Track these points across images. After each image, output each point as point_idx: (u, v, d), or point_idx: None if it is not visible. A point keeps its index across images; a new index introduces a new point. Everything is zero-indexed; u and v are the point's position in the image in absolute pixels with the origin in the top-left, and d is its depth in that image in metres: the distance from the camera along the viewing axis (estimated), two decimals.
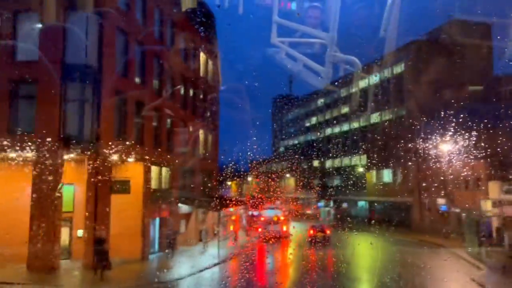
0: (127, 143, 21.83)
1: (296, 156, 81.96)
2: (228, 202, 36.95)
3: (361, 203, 61.76)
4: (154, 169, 26.04)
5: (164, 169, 27.67)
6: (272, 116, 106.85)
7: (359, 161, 67.04)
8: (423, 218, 47.85)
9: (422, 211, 47.80)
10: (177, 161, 28.38)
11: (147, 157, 23.94)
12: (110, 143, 20.37)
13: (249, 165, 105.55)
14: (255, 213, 53.10)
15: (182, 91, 31.36)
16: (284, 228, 43.90)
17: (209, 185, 36.17)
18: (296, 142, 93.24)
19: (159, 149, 26.40)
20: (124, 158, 21.66)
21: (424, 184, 47.94)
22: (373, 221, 52.50)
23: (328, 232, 39.68)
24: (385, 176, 53.68)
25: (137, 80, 24.39)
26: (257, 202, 53.23)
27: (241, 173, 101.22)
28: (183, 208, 29.51)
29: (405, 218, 49.40)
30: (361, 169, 57.71)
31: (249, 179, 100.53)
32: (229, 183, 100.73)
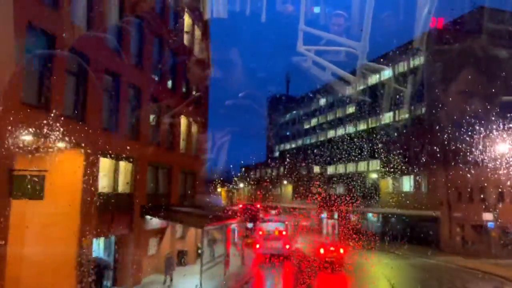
0: (52, 114, 13.09)
1: (294, 161, 73.36)
2: (218, 213, 28.15)
3: (372, 216, 53.23)
4: (105, 162, 17.26)
5: (123, 164, 18.85)
6: (268, 118, 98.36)
7: (367, 167, 58.66)
8: (453, 236, 39.40)
9: (453, 227, 39.38)
10: (145, 153, 19.63)
11: (90, 142, 15.16)
12: (13, 111, 11.64)
13: (241, 170, 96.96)
14: (250, 225, 44.33)
15: (158, 58, 22.82)
16: (287, 246, 35.18)
17: (190, 191, 27.41)
18: (294, 145, 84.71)
19: (115, 132, 17.62)
20: (44, 138, 12.86)
21: (456, 195, 39.56)
22: (389, 237, 43.95)
23: (341, 251, 30.95)
24: (405, 185, 45.31)
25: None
26: (253, 213, 44.52)
27: (233, 179, 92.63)
28: (153, 222, 20.68)
29: (431, 235, 40.91)
30: (373, 176, 49.30)
31: (241, 185, 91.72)
32: (218, 190, 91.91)
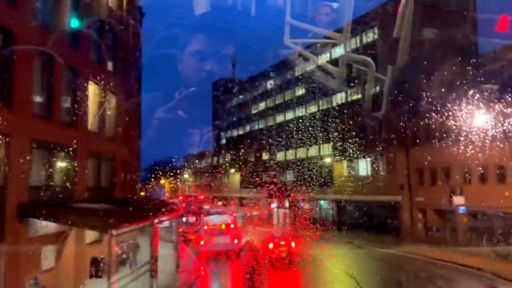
0: None
1: (241, 148, 68.37)
2: (148, 208, 22.43)
3: (326, 203, 49.55)
4: None
5: None
6: (213, 103, 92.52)
7: (318, 151, 54.90)
8: (415, 223, 36.25)
9: (414, 212, 36.20)
10: (25, 126, 13.65)
11: None
12: None
13: (186, 159, 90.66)
14: (191, 219, 38.99)
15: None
16: (236, 241, 30.44)
17: (110, 182, 21.60)
18: (241, 132, 79.69)
19: None
20: None
21: (417, 178, 36.36)
22: (345, 226, 40.37)
23: (293, 244, 26.75)
24: (361, 168, 41.71)
25: None
26: (195, 206, 39.14)
27: (177, 169, 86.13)
28: (44, 224, 14.77)
29: (390, 222, 37.62)
30: (327, 160, 45.35)
31: (186, 176, 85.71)
32: (161, 181, 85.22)
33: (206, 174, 77.65)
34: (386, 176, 37.94)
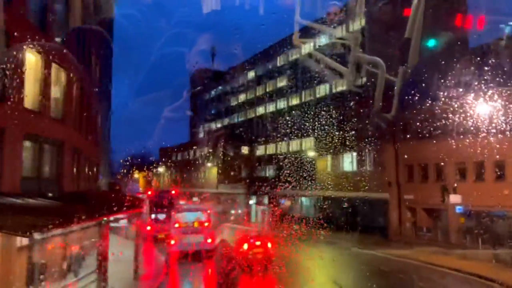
0: None
1: (219, 141, 64.99)
2: (104, 204, 18.95)
3: (308, 201, 46.75)
4: None
5: None
6: (191, 94, 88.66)
7: (300, 146, 52.10)
8: (403, 222, 33.72)
9: (403, 211, 33.65)
10: None
11: None
12: None
13: (162, 153, 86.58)
14: (161, 216, 35.55)
15: None
16: (209, 240, 27.45)
17: (55, 172, 18.10)
18: (219, 125, 76.31)
19: None
20: None
21: (406, 174, 33.81)
22: (328, 225, 37.54)
23: (269, 245, 23.90)
24: (345, 163, 38.98)
25: None
26: (165, 202, 35.66)
27: (152, 163, 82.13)
28: None
29: (377, 221, 35.07)
30: (310, 154, 42.45)
31: (160, 170, 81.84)
32: (136, 175, 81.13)
33: (182, 169, 73.96)
34: (373, 172, 35.30)
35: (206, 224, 28.08)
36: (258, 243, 23.95)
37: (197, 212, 29.09)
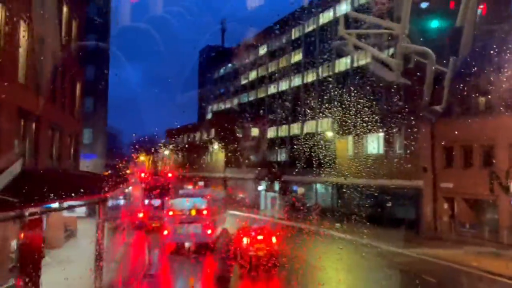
0: None
1: (228, 122, 59.88)
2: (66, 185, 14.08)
3: (323, 188, 41.56)
4: None
5: None
6: (199, 73, 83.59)
7: (316, 127, 46.76)
8: (440, 216, 28.39)
9: (439, 202, 28.31)
10: None
11: None
12: None
13: (168, 135, 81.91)
14: (156, 202, 30.91)
15: None
16: (209, 231, 22.74)
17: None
18: (229, 105, 71.17)
19: None
20: None
21: (445, 157, 28.37)
22: (347, 217, 32.48)
23: (274, 240, 19.74)
24: (370, 145, 33.59)
25: None
26: (159, 186, 30.98)
27: (157, 145, 77.51)
28: None
29: (406, 213, 29.87)
30: (328, 135, 37.04)
31: (166, 153, 77.18)
32: (142, 158, 76.65)
33: (188, 151, 69.21)
34: (404, 155, 29.89)
35: (205, 212, 23.38)
36: (260, 237, 19.30)
37: (195, 198, 24.34)
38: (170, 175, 34.96)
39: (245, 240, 19.26)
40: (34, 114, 16.67)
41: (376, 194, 32.15)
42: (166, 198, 24.59)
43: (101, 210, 13.49)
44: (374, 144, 32.76)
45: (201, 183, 58.75)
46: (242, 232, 20.41)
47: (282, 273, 18.32)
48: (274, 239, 19.50)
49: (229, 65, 72.16)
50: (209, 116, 76.55)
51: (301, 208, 40.22)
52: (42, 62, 17.86)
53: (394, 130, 30.61)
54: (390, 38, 40.51)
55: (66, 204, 12.80)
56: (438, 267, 19.83)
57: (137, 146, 77.40)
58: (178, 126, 77.18)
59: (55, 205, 12.53)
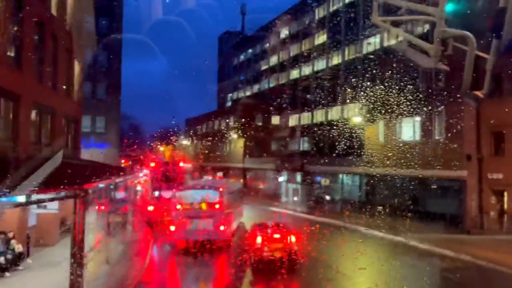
0: None
1: (247, 110, 56.86)
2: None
3: (350, 179, 38.20)
4: None
5: None
6: (219, 60, 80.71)
7: (342, 113, 43.24)
8: (487, 210, 24.74)
9: (486, 196, 24.66)
10: None
11: None
12: None
13: (187, 124, 79.67)
14: (167, 195, 28.19)
15: None
16: (222, 228, 19.86)
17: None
18: (249, 92, 68.15)
19: None
20: None
21: (493, 144, 24.64)
22: (379, 210, 29.15)
23: (293, 239, 16.63)
24: (404, 131, 29.99)
25: None
26: (170, 173, 28.33)
27: (174, 134, 75.30)
28: None
29: (447, 207, 26.31)
30: (356, 121, 33.49)
31: (185, 142, 74.95)
32: (161, 148, 74.58)
33: (207, 141, 66.62)
34: (444, 141, 26.22)
35: (217, 206, 20.55)
36: (276, 235, 16.30)
37: (206, 190, 21.48)
38: (181, 164, 32.22)
39: (259, 239, 16.32)
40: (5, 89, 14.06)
41: (410, 185, 28.73)
42: (174, 190, 21.95)
43: (79, 206, 10.70)
44: (409, 129, 29.12)
45: (220, 174, 56.19)
46: (255, 229, 17.48)
47: (304, 280, 15.36)
48: (293, 238, 16.53)
49: (249, 50, 68.93)
50: (228, 104, 73.76)
51: (326, 200, 37.04)
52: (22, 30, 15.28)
53: (433, 114, 26.93)
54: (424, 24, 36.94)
55: (35, 197, 10.08)
56: (501, 276, 16.39)
57: (155, 136, 75.70)
58: (197, 115, 74.75)
59: (22, 199, 9.81)
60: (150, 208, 27.25)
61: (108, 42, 44.33)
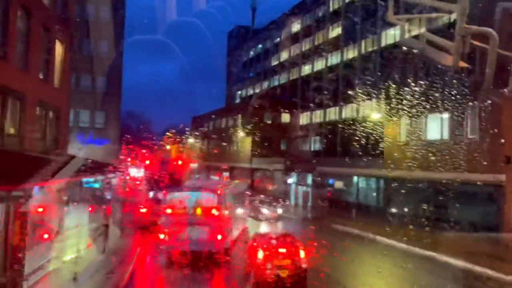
0: None
1: (255, 108, 53.79)
2: None
3: (366, 182, 34.95)
4: None
5: None
6: (228, 56, 77.84)
7: (357, 112, 40.06)
8: None
9: None
10: None
11: None
12: None
13: (193, 122, 76.76)
14: (164, 196, 25.26)
15: None
16: (219, 237, 16.73)
17: None
18: (258, 89, 65.14)
19: None
20: None
21: None
22: (400, 218, 25.95)
23: (302, 255, 13.35)
24: (430, 129, 26.62)
25: None
26: (167, 173, 25.36)
27: (181, 132, 72.51)
28: None
29: (481, 216, 23.00)
30: (375, 117, 30.20)
31: (191, 141, 72.18)
32: (168, 147, 71.99)
33: (214, 140, 63.61)
34: (478, 141, 22.89)
35: (214, 211, 17.55)
36: (282, 249, 13.24)
37: (202, 192, 18.50)
38: (180, 162, 29.27)
39: (260, 254, 13.28)
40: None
41: (435, 190, 25.41)
42: (163, 192, 18.98)
43: (10, 213, 7.76)
44: (436, 127, 25.76)
45: (226, 174, 53.25)
46: (257, 241, 14.43)
47: None
48: (302, 254, 13.47)
49: (259, 46, 65.95)
50: (237, 101, 70.82)
51: (339, 205, 33.86)
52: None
53: (466, 110, 23.61)
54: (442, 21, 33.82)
55: None
56: None
57: (162, 135, 73.17)
58: (204, 113, 71.89)
59: None
60: (143, 210, 24.37)
61: (108, 33, 41.69)
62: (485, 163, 21.82)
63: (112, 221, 19.69)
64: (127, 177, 26.64)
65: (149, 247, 18.86)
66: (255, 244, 14.16)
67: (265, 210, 29.42)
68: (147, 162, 29.64)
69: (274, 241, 13.95)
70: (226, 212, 18.17)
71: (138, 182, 27.29)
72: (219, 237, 17.06)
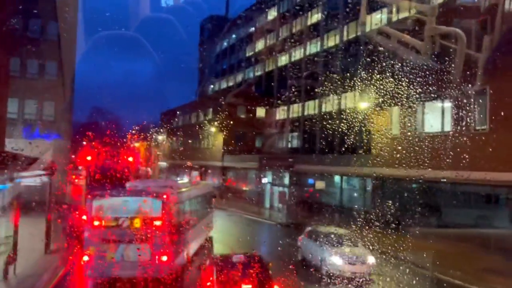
0: None
1: (227, 102, 49.35)
2: None
3: (348, 182, 31.10)
4: None
5: None
6: (200, 48, 73.11)
7: (339, 104, 36.30)
8: None
9: None
10: None
11: None
12: None
13: (162, 117, 71.70)
14: (88, 202, 20.56)
15: None
16: (164, 258, 12.05)
17: None
18: (231, 82, 60.81)
19: None
20: None
21: None
22: (392, 223, 22.00)
23: None
24: (428, 119, 22.82)
25: None
26: (112, 173, 20.75)
27: (148, 129, 67.38)
28: None
29: (489, 223, 19.39)
30: (362, 106, 26.29)
31: (160, 138, 67.19)
32: (136, 145, 66.65)
33: (183, 136, 58.79)
34: (487, 133, 19.21)
35: (158, 223, 13.08)
36: (247, 286, 8.84)
37: (143, 197, 13.82)
38: (131, 159, 24.67)
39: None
40: None
41: (436, 191, 21.77)
42: (89, 197, 14.34)
43: None
44: (435, 117, 21.94)
45: (195, 173, 48.76)
46: (212, 269, 10.09)
47: None
48: None
49: (233, 36, 61.57)
50: (210, 93, 66.27)
51: (319, 207, 29.86)
52: None
53: (471, 95, 19.89)
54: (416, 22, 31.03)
55: None
56: None
57: (128, 132, 67.85)
58: (173, 108, 66.94)
59: None
60: (84, 217, 19.69)
61: (58, 13, 36.53)
62: (496, 159, 18.17)
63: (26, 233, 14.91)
64: (62, 178, 21.98)
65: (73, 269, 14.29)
66: (209, 273, 9.82)
67: (337, 260, 15.48)
68: (89, 158, 24.79)
69: (235, 270, 9.66)
70: (178, 223, 13.77)
71: (77, 181, 22.61)
72: (164, 258, 12.62)
